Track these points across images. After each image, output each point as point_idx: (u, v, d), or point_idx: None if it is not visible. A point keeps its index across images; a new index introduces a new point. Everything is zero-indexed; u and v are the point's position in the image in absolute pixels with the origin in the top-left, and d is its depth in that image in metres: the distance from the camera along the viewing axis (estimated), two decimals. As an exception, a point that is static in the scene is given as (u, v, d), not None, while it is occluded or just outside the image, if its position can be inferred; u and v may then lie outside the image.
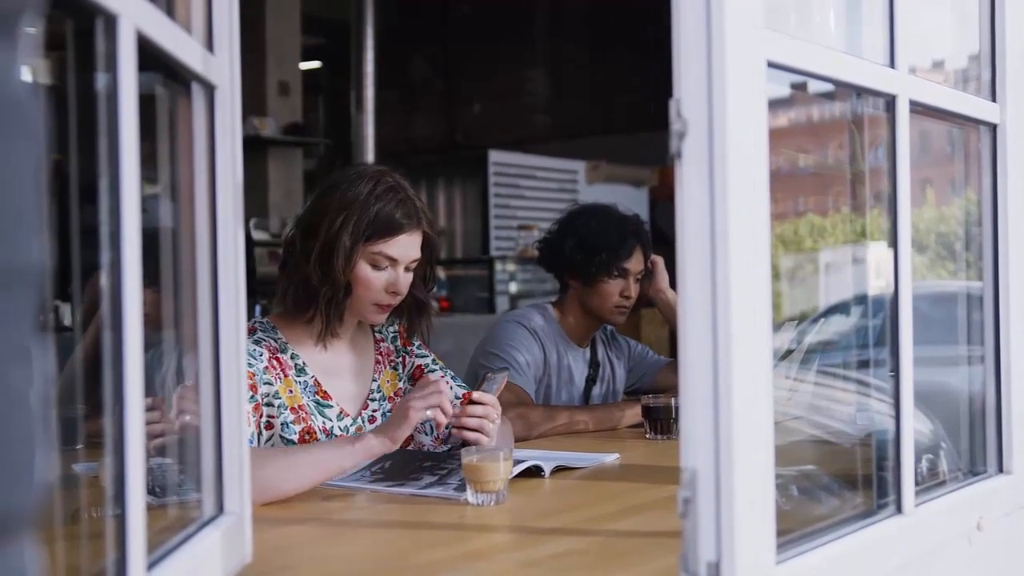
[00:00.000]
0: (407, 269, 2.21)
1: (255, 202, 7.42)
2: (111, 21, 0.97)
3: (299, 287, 2.18)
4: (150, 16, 1.06)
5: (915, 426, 1.52)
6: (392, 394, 2.34)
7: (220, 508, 1.35)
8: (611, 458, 2.32)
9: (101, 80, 0.98)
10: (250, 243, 5.34)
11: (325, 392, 2.22)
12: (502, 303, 7.26)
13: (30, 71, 0.61)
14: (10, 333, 0.55)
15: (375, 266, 2.17)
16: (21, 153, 0.55)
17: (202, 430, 1.34)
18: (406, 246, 2.19)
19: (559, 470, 2.16)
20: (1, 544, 0.56)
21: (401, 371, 2.38)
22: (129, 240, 0.99)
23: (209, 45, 1.32)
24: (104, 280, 0.99)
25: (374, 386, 2.32)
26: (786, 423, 1.53)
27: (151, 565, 1.06)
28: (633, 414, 2.78)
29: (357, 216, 2.13)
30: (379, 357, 2.35)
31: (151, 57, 1.08)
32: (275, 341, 2.20)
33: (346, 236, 2.13)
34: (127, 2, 0.98)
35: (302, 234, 2.19)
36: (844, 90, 1.59)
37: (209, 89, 1.32)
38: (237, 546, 1.37)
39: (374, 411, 2.29)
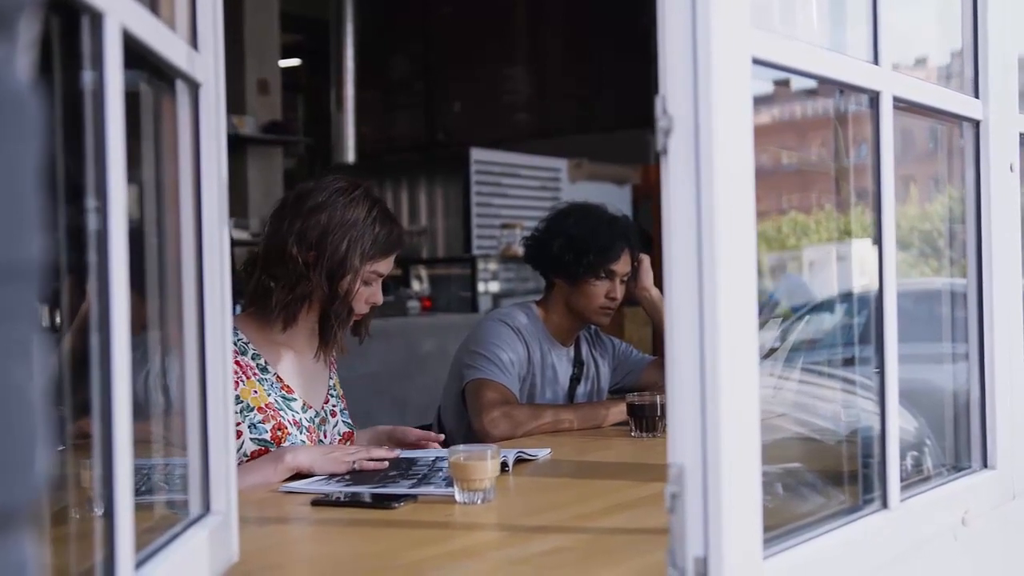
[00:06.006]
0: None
1: (234, 201, 7.33)
2: (97, 19, 0.96)
3: (300, 301, 2.23)
4: (135, 13, 1.05)
5: (899, 423, 1.53)
6: (341, 394, 2.46)
7: (207, 507, 1.34)
8: (543, 453, 2.34)
9: (86, 77, 0.98)
10: (230, 243, 5.29)
11: (288, 386, 2.29)
12: (484, 302, 7.24)
13: (28, 68, 0.60)
14: (12, 328, 0.55)
15: (367, 283, 2.27)
16: (22, 151, 0.56)
17: (188, 430, 1.33)
18: (392, 262, 2.33)
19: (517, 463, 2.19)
20: (3, 537, 0.56)
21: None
22: (116, 239, 0.98)
23: (194, 42, 1.32)
24: (90, 281, 0.98)
25: (331, 383, 2.43)
26: (771, 421, 1.54)
27: (138, 564, 1.06)
28: (618, 412, 2.79)
29: (362, 239, 2.23)
30: (331, 359, 2.45)
31: (134, 55, 1.08)
32: (234, 344, 2.21)
33: (356, 258, 2.22)
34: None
35: (297, 247, 2.21)
36: (826, 87, 1.59)
37: (194, 87, 1.31)
38: (224, 545, 1.36)
39: (333, 406, 2.41)
